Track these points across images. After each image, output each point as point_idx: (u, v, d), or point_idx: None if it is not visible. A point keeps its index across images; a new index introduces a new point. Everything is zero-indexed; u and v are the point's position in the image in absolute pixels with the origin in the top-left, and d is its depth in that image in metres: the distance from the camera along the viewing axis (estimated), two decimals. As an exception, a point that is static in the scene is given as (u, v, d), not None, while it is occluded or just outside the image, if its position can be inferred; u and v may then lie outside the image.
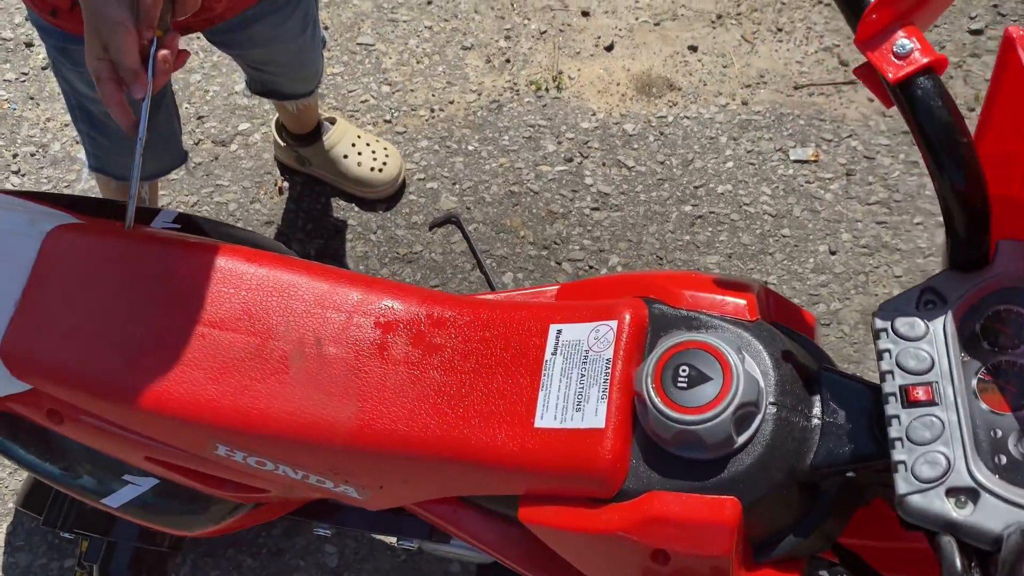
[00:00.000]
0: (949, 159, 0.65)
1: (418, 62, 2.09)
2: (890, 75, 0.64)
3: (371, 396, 0.86)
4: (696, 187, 1.91)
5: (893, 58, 0.64)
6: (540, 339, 0.86)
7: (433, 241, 1.86)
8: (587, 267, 1.83)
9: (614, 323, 0.82)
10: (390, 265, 1.84)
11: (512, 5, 2.17)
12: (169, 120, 1.36)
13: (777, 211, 1.87)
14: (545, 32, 2.13)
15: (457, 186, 1.92)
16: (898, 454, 0.66)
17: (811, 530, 0.81)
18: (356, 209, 1.88)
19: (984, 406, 0.65)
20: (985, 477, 0.62)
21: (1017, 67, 0.67)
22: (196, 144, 1.97)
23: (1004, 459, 0.63)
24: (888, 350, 0.69)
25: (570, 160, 1.95)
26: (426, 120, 2.01)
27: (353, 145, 1.83)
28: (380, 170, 1.83)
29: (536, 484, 0.82)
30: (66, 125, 2.01)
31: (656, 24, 2.14)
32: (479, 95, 2.05)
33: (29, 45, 2.12)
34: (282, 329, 0.89)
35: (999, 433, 0.64)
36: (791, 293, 1.79)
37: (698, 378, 0.75)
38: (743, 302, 0.83)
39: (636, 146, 1.97)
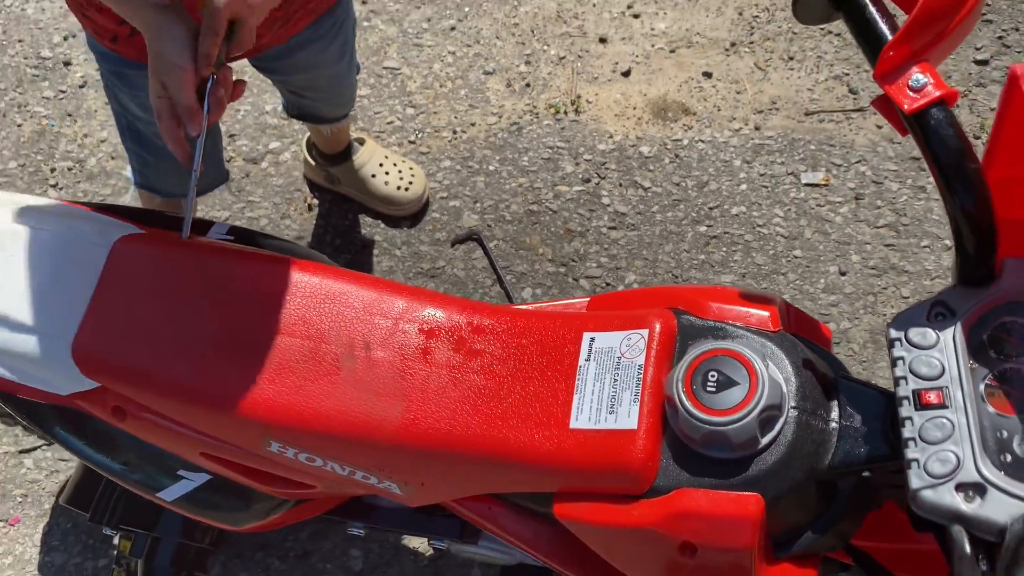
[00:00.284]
0: (959, 183, 0.71)
1: (441, 86, 2.17)
2: (906, 106, 0.70)
3: (416, 397, 0.92)
4: (711, 208, 1.98)
5: (908, 91, 0.70)
6: (574, 346, 0.92)
7: (455, 257, 1.93)
8: (604, 284, 1.90)
9: (645, 332, 0.88)
10: (414, 279, 1.91)
11: (532, 32, 2.25)
12: (213, 141, 1.43)
13: (789, 232, 1.94)
14: (564, 58, 2.21)
15: (478, 204, 1.99)
16: (911, 452, 0.71)
17: (828, 527, 0.86)
18: (382, 226, 1.95)
19: (991, 409, 0.71)
20: (992, 473, 0.68)
21: (1021, 101, 0.73)
22: (228, 161, 2.04)
23: (1009, 457, 0.69)
24: (902, 357, 0.75)
25: (588, 180, 2.02)
26: (449, 141, 2.08)
27: (381, 165, 1.90)
28: (406, 189, 1.90)
29: (571, 482, 0.88)
30: (102, 141, 2.09)
31: (672, 51, 2.22)
32: (500, 117, 2.12)
33: (67, 64, 2.20)
34: (333, 333, 0.95)
35: (1004, 434, 0.70)
36: (802, 312, 1.85)
37: (726, 383, 0.81)
38: (766, 314, 0.89)
39: (652, 168, 2.04)
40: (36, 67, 2.20)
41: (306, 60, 1.34)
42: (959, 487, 0.69)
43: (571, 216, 1.97)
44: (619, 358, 0.88)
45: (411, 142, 2.08)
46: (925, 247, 1.91)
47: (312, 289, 0.97)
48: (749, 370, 0.81)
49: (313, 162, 1.92)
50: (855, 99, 2.13)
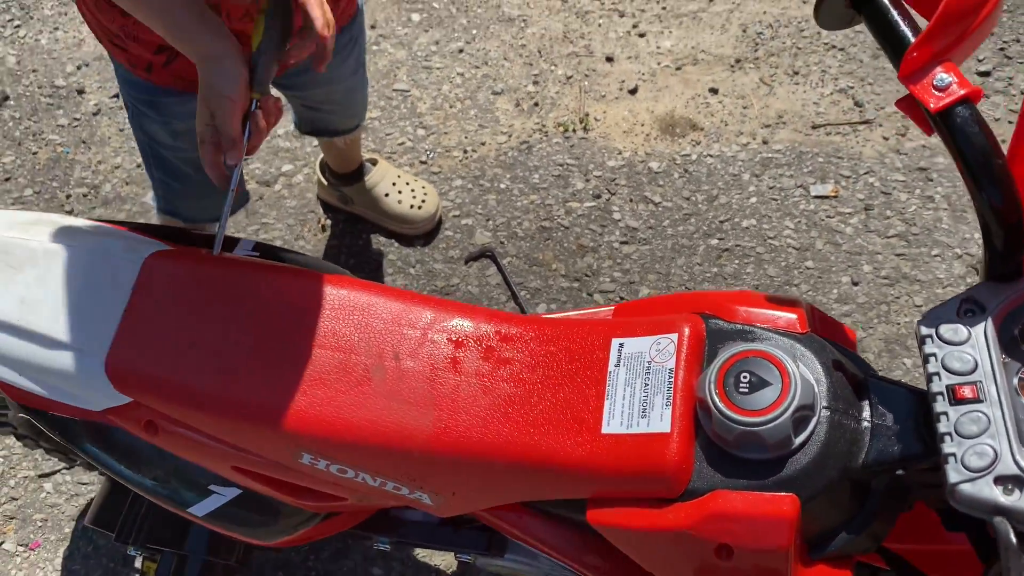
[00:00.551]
0: (987, 180, 0.73)
1: (451, 106, 2.19)
2: (932, 105, 0.72)
3: (447, 405, 0.93)
4: (721, 222, 1.99)
5: (934, 91, 0.72)
6: (603, 352, 0.92)
7: (469, 274, 1.94)
8: (618, 298, 1.90)
9: (675, 336, 0.89)
10: (428, 298, 1.91)
11: (539, 52, 2.28)
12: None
13: (800, 244, 1.95)
14: (571, 77, 2.23)
15: (491, 222, 2.00)
16: (948, 447, 0.72)
17: (862, 528, 0.86)
18: (395, 244, 1.97)
19: (1026, 401, 0.72)
20: (1029, 465, 0.69)
21: None
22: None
23: (1046, 449, 0.70)
24: (934, 354, 0.75)
25: (598, 196, 2.03)
26: (460, 161, 2.10)
27: (393, 184, 1.92)
28: (419, 207, 1.91)
29: (604, 487, 0.88)
30: (116, 167, 2.11)
31: (677, 68, 2.24)
32: (509, 136, 2.14)
33: (81, 92, 2.22)
34: (363, 345, 0.96)
35: None
36: (816, 322, 1.86)
37: (758, 384, 0.81)
38: (794, 316, 0.90)
39: (662, 183, 2.05)
40: (50, 96, 2.22)
41: (324, 75, 1.36)
42: (998, 480, 0.70)
43: (583, 232, 1.98)
44: (649, 363, 0.89)
45: (422, 162, 2.10)
46: (936, 256, 1.92)
47: (340, 301, 0.98)
48: (781, 370, 0.81)
49: (326, 182, 1.94)
50: (861, 112, 2.15)
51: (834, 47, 2.25)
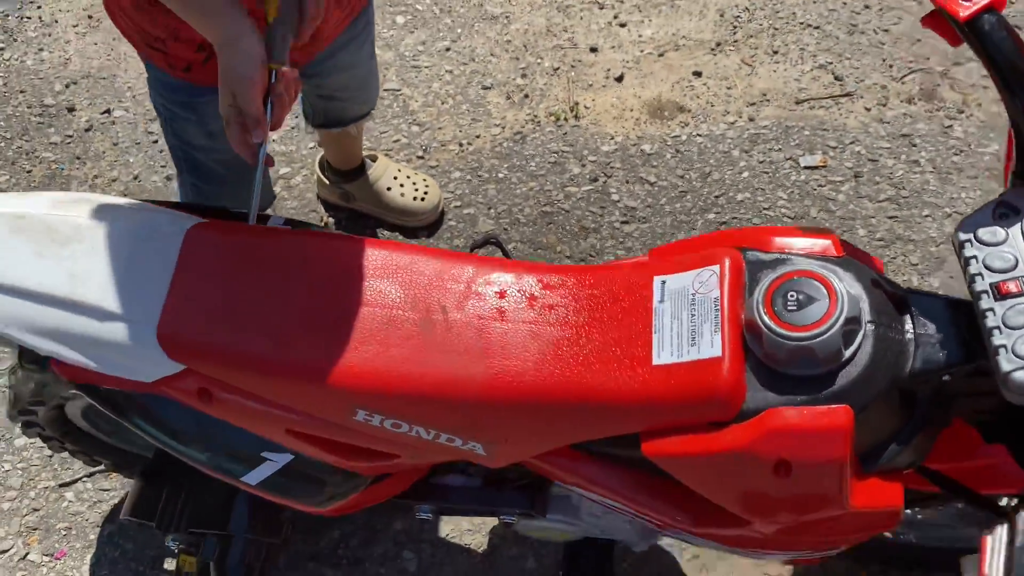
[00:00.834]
0: (1018, 83, 0.77)
1: (443, 103, 2.22)
2: (961, 14, 0.76)
3: (496, 353, 0.95)
4: (716, 197, 2.03)
5: (961, 1, 0.76)
6: (646, 291, 0.95)
7: (475, 263, 1.96)
8: (623, 277, 1.94)
9: (716, 267, 0.92)
10: (436, 288, 1.93)
11: (525, 47, 2.32)
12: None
13: (795, 213, 2.00)
14: (558, 69, 2.28)
15: (492, 210, 2.03)
16: (997, 339, 0.75)
17: (910, 439, 0.90)
18: (400, 237, 1.98)
19: (1066, 291, 0.76)
20: (1077, 348, 0.72)
21: None
22: (240, 189, 2.07)
23: (1089, 333, 0.74)
24: (975, 256, 0.79)
25: (595, 180, 2.07)
26: (456, 154, 2.13)
27: (395, 178, 1.94)
28: (422, 199, 1.94)
29: (657, 418, 0.91)
30: (113, 180, 2.11)
31: (660, 55, 2.29)
32: (503, 128, 2.17)
33: (71, 110, 2.22)
34: (409, 301, 0.97)
35: None
36: (817, 287, 1.90)
37: (806, 301, 0.85)
38: (828, 242, 0.93)
39: (655, 164, 2.10)
40: (40, 115, 2.22)
41: (345, 60, 1.39)
42: (1049, 364, 0.73)
43: (584, 214, 2.02)
44: (693, 295, 0.92)
45: (419, 157, 2.12)
46: (927, 216, 1.98)
47: (383, 261, 1.00)
48: (827, 287, 0.85)
49: (327, 180, 1.95)
50: (841, 85, 2.21)
51: (810, 26, 2.32)
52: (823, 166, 2.07)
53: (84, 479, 1.68)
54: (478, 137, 2.16)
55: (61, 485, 1.68)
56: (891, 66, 2.24)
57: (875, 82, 2.22)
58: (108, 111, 2.22)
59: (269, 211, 1.60)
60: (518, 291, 0.98)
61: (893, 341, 0.86)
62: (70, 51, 2.34)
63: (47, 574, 1.60)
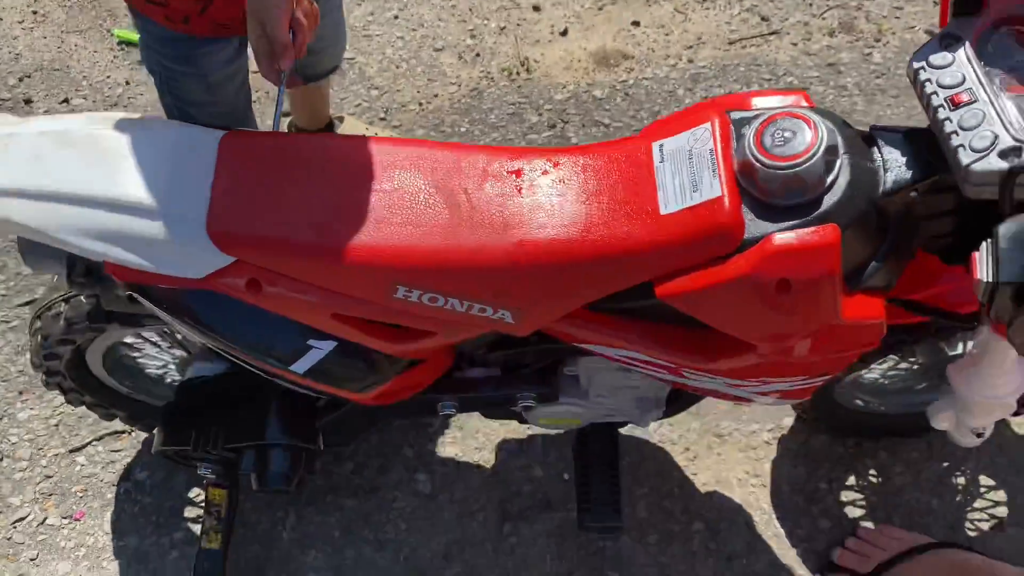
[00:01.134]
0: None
1: (397, 67, 2.31)
2: None
3: (518, 222, 1.05)
4: (668, 131, 2.17)
5: None
6: (647, 156, 1.06)
7: (448, 211, 2.05)
8: (590, 210, 2.05)
9: (708, 125, 1.04)
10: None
11: (471, 10, 2.42)
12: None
13: (741, 139, 2.15)
14: (504, 28, 2.39)
15: (459, 162, 2.12)
16: (956, 140, 0.89)
17: (885, 257, 1.03)
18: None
19: (1010, 95, 0.90)
20: (1024, 137, 0.86)
21: None
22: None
23: (1034, 126, 0.88)
24: (929, 79, 0.93)
25: (553, 127, 2.19)
26: (417, 112, 2.22)
27: (363, 135, 2.02)
28: (393, 152, 2.02)
29: (669, 262, 1.02)
30: (81, 164, 2.13)
31: (600, 8, 2.43)
32: (459, 86, 2.27)
33: (28, 102, 2.24)
34: (433, 187, 1.07)
35: None
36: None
37: (791, 136, 0.97)
38: (799, 98, 1.06)
39: (608, 107, 2.22)
40: (-3, 109, 2.23)
41: (322, 6, 1.46)
42: (1001, 154, 0.87)
43: (547, 157, 2.13)
44: (690, 150, 1.04)
45: (381, 119, 2.21)
46: (859, 131, 2.16)
47: (404, 156, 1.09)
48: (807, 122, 0.97)
49: (300, 144, 2.02)
50: (768, 24, 2.38)
51: (734, -27, 2.48)
52: (761, 96, 2.23)
53: (94, 442, 1.71)
54: (436, 96, 2.25)
55: (71, 451, 1.70)
56: (811, 4, 2.42)
57: (798, 20, 2.39)
58: (67, 100, 2.24)
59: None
60: (530, 169, 1.08)
61: (866, 168, 0.99)
62: (19, 46, 2.35)
63: (68, 535, 1.63)
